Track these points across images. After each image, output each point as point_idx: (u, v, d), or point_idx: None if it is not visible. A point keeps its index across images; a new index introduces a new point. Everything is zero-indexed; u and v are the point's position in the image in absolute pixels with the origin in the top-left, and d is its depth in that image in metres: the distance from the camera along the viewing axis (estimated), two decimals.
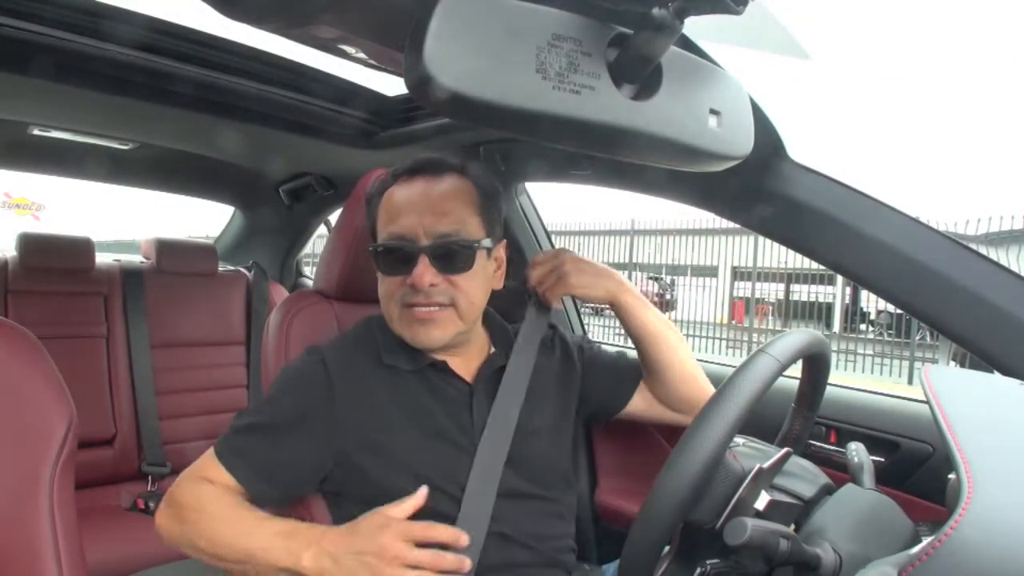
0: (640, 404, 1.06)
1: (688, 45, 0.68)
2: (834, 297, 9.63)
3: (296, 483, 0.88)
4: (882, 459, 1.00)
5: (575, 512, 0.97)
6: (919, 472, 0.98)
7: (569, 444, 0.99)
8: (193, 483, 0.84)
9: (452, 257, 0.85)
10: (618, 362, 1.08)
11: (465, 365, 0.93)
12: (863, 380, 6.35)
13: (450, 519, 0.83)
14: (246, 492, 0.84)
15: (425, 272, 0.84)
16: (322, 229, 2.31)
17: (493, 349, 0.97)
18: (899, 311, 5.35)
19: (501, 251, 0.95)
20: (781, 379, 0.66)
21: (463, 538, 0.78)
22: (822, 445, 1.08)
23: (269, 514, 0.81)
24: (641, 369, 1.05)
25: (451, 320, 0.87)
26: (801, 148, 0.93)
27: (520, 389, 0.93)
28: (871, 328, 9.75)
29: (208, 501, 0.82)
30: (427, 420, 0.87)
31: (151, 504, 1.71)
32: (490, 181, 0.94)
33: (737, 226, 1.15)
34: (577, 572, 0.95)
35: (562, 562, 0.91)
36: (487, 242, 0.89)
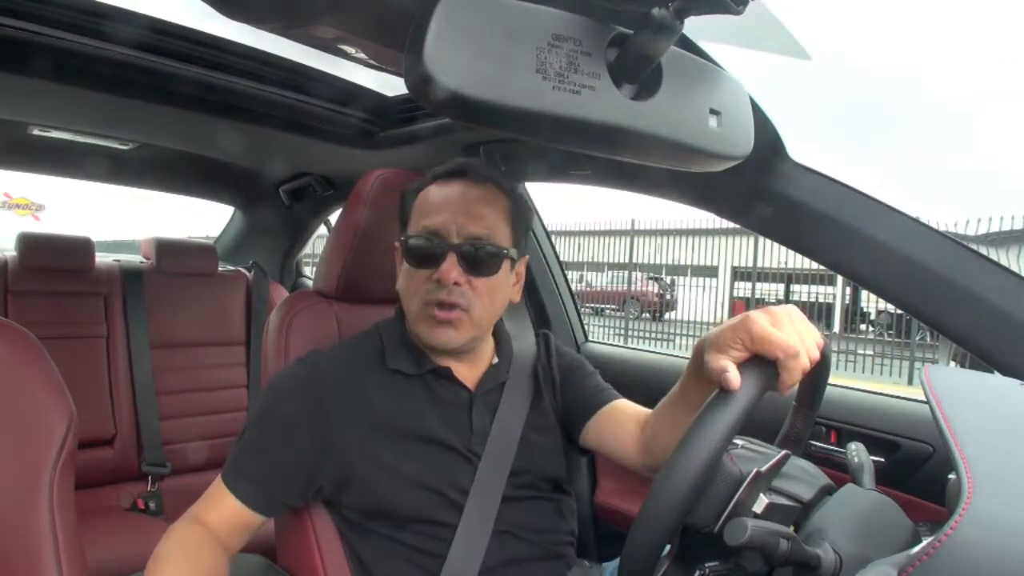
0: (619, 448, 0.92)
1: (688, 45, 0.68)
2: (834, 297, 9.62)
3: (287, 492, 0.88)
4: (882, 459, 1.00)
5: (575, 512, 0.98)
6: (919, 472, 0.98)
7: (561, 448, 0.98)
8: (181, 523, 0.84)
9: (479, 260, 0.86)
10: (590, 391, 0.98)
11: (469, 372, 0.94)
12: (863, 380, 6.34)
13: (451, 526, 0.83)
14: (248, 509, 0.85)
15: (452, 269, 0.84)
16: (322, 229, 2.31)
17: (496, 359, 0.98)
18: (899, 311, 5.35)
19: (522, 267, 0.96)
20: None
21: None
22: (822, 445, 1.08)
23: None
24: (599, 405, 0.95)
25: (467, 325, 0.87)
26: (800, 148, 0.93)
27: (524, 400, 0.94)
28: (871, 328, 9.76)
29: (172, 548, 0.80)
30: (425, 426, 0.87)
31: (151, 504, 1.71)
32: (523, 197, 0.95)
33: (737, 226, 1.14)
34: (577, 567, 0.95)
35: (563, 555, 0.92)
36: (514, 252, 0.90)
